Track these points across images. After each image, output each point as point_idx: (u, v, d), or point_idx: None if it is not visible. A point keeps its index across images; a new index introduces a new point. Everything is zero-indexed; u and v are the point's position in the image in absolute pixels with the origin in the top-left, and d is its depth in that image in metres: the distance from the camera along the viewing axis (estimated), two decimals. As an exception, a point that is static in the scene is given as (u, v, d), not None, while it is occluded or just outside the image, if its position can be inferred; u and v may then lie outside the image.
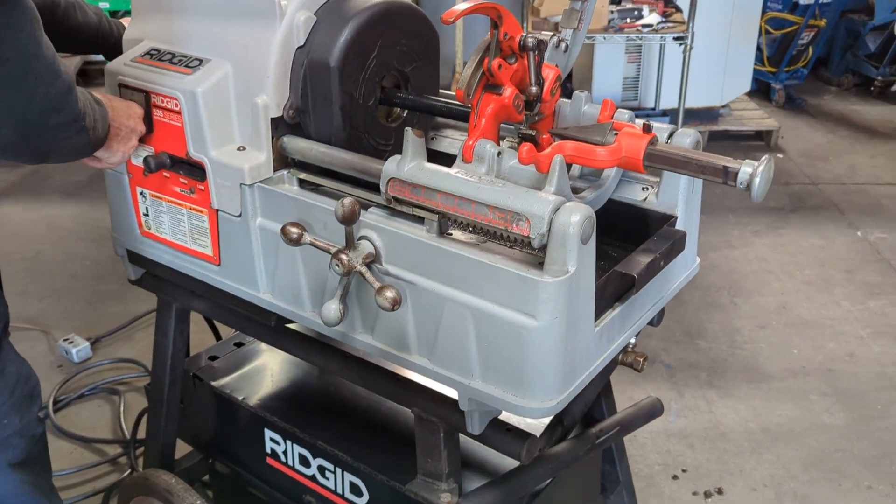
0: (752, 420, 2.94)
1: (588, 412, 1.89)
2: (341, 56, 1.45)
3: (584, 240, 1.17)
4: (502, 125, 1.46)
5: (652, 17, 3.91)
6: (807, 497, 2.59)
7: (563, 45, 1.55)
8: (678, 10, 4.13)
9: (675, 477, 2.68)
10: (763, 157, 1.19)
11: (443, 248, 1.26)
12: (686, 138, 1.44)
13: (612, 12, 3.95)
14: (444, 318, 1.29)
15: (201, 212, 1.58)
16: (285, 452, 1.86)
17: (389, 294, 1.24)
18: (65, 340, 3.27)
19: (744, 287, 3.84)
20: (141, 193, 1.68)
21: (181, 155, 1.54)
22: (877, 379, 3.18)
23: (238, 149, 1.52)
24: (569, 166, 1.40)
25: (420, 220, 1.32)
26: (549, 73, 1.41)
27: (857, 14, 6.88)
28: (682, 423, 2.92)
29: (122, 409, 2.93)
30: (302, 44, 1.48)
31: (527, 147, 1.26)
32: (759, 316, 3.60)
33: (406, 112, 1.67)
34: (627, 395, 3.04)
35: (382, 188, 1.33)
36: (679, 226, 1.49)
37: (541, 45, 1.36)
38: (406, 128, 1.32)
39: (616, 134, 1.31)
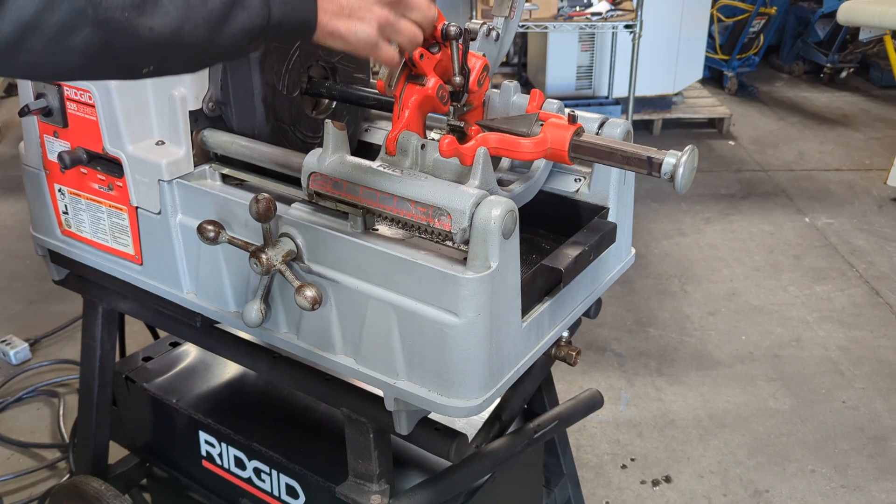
0: (701, 407, 2.96)
1: (529, 406, 1.87)
2: (263, 47, 1.40)
3: (506, 234, 1.15)
4: (435, 116, 1.43)
5: (601, 6, 3.90)
6: (752, 482, 2.61)
7: (493, 34, 1.52)
8: (628, -2, 4.14)
9: (623, 466, 2.68)
10: (686, 148, 1.18)
11: (364, 245, 1.22)
12: (616, 129, 1.42)
13: (561, 1, 3.93)
14: (368, 316, 1.25)
15: (121, 209, 1.52)
16: (220, 455, 1.81)
17: (309, 293, 1.20)
18: (2, 342, 3.16)
19: (694, 274, 3.87)
20: (59, 191, 1.62)
21: (98, 150, 1.48)
22: (821, 363, 3.22)
23: (157, 143, 1.46)
24: (497, 159, 1.37)
25: (345, 215, 1.29)
26: (476, 63, 1.37)
27: (806, 2, 6.98)
28: (631, 412, 2.92)
29: (61, 411, 2.84)
30: (221, 33, 1.43)
31: (448, 139, 1.23)
32: (708, 303, 3.63)
33: (335, 104, 1.62)
34: (578, 385, 3.05)
35: (304, 183, 1.28)
36: (611, 217, 1.47)
37: (465, 34, 1.33)
38: (326, 120, 1.27)
39: (542, 125, 1.28)
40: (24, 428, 2.81)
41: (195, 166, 1.47)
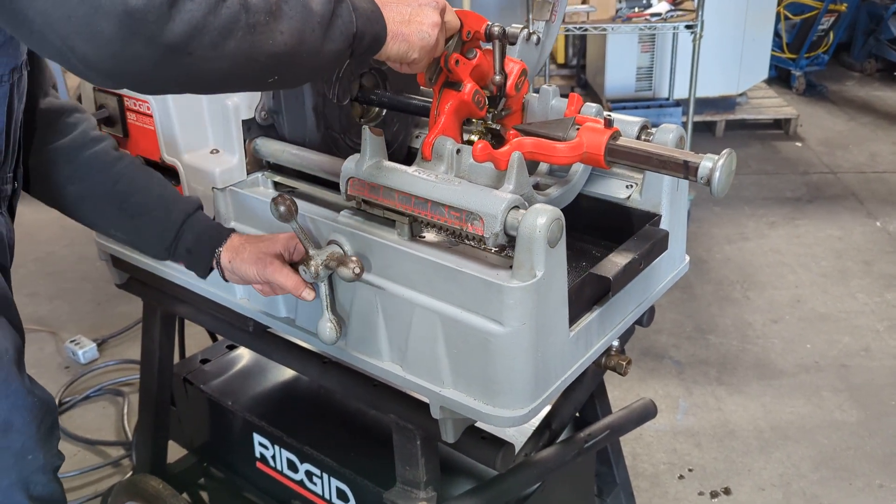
0: (762, 418, 2.87)
1: (581, 415, 1.84)
2: (312, 55, 1.42)
3: (552, 243, 1.13)
4: (477, 121, 1.42)
5: (661, 6, 3.83)
6: (816, 496, 2.52)
7: (534, 38, 1.50)
8: (688, -3, 4.05)
9: (681, 476, 2.62)
10: (724, 152, 1.15)
11: (409, 252, 1.22)
12: (668, 134, 1.39)
13: (619, 2, 3.87)
14: (413, 324, 1.25)
15: (178, 216, 1.56)
16: (274, 457, 1.84)
17: (352, 264, 1.21)
18: (71, 342, 3.29)
19: (758, 280, 3.76)
20: (120, 198, 1.67)
21: (156, 159, 1.52)
22: (892, 374, 3.09)
23: (211, 152, 1.50)
24: (533, 163, 1.36)
25: (392, 223, 1.29)
26: (513, 68, 1.36)
27: (879, -3, 6.71)
28: (689, 422, 2.86)
29: (125, 410, 2.94)
30: (273, 43, 1.45)
31: (481, 144, 1.23)
32: (772, 310, 3.52)
33: (385, 111, 1.63)
34: (635, 392, 3.00)
35: (342, 188, 1.30)
36: (663, 224, 1.44)
37: (507, 35, 1.32)
38: (363, 126, 1.29)
39: (578, 129, 1.27)
40: (91, 426, 2.91)
41: (248, 174, 1.50)
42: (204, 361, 2.05)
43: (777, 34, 6.07)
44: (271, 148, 1.47)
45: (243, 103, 1.45)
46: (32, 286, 3.80)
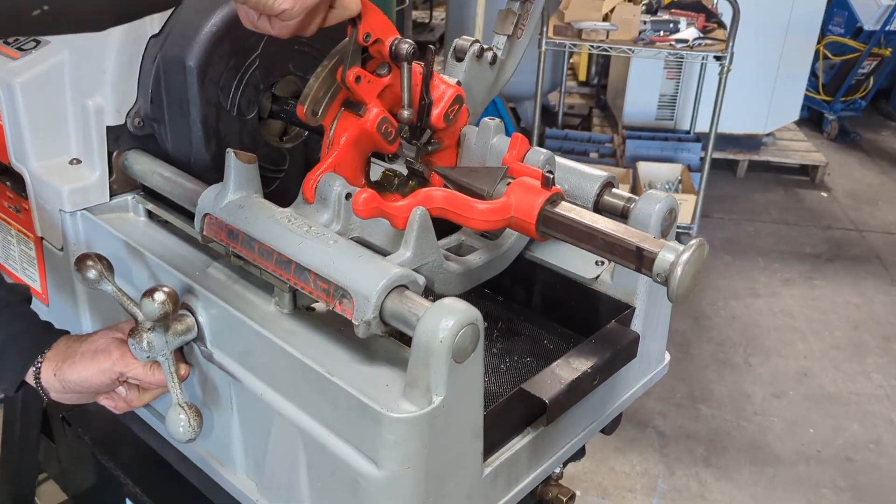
0: (750, 513, 2.52)
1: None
2: (203, 52, 1.09)
3: (460, 356, 0.79)
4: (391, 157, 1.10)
5: (689, 32, 3.48)
6: None
7: (488, 56, 1.17)
8: (721, 25, 3.68)
9: (647, 576, 2.28)
10: (693, 242, 0.82)
11: (269, 339, 0.89)
12: (653, 205, 1.04)
13: (644, 23, 3.52)
14: (273, 435, 0.92)
15: (28, 237, 1.24)
16: (144, 529, 1.51)
17: (182, 416, 0.88)
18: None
19: (763, 345, 3.40)
20: (-24, 202, 1.34)
21: (5, 162, 1.20)
22: (904, 476, 2.73)
23: (71, 162, 1.17)
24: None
25: (271, 287, 0.96)
26: (445, 92, 1.03)
27: (927, 45, 6.30)
28: (666, 508, 2.51)
29: None
30: (157, 32, 1.12)
31: (366, 194, 0.90)
32: (775, 382, 3.16)
33: (307, 131, 1.30)
34: (608, 464, 2.65)
35: (197, 225, 0.97)
36: (637, 319, 1.10)
37: (429, 56, 0.99)
38: (228, 149, 0.96)
39: (510, 183, 0.94)
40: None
41: (115, 195, 1.17)
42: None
43: (813, 73, 5.69)
44: (139, 166, 1.14)
45: (109, 105, 1.12)
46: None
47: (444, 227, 1.01)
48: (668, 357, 1.25)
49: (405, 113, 0.98)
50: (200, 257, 1.07)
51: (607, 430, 1.25)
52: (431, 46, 1.02)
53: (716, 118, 3.55)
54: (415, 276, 0.85)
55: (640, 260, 0.86)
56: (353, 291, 0.83)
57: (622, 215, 1.10)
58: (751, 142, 5.03)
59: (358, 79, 0.96)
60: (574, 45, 3.51)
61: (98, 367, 0.94)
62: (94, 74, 1.12)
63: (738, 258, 4.09)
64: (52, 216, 1.15)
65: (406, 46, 0.96)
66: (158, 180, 1.11)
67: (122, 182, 1.17)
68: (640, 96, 4.89)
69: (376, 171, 1.13)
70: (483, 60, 1.22)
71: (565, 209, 0.92)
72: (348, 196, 0.97)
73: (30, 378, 0.97)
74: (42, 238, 1.20)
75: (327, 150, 1.01)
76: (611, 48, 3.48)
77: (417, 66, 1.03)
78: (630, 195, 1.10)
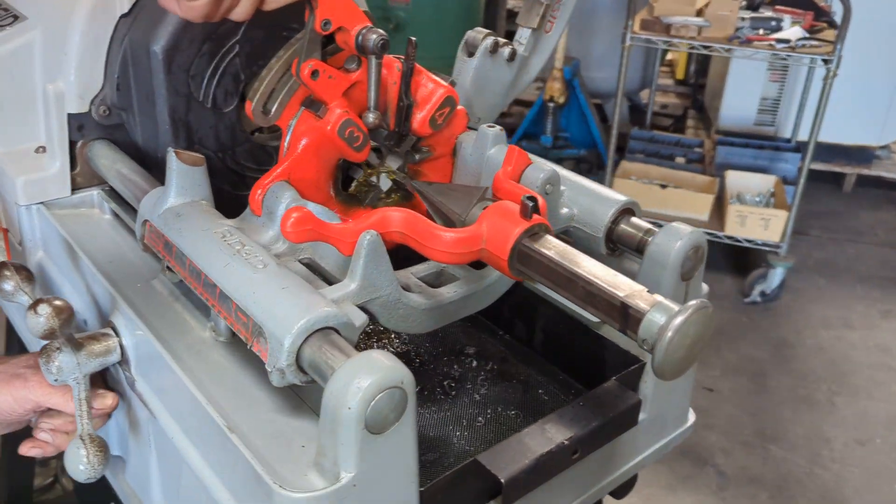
0: (813, 575, 2.25)
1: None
2: (170, 35, 0.97)
3: (378, 428, 0.64)
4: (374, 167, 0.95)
5: (792, 32, 3.15)
6: None
7: (505, 52, 1.00)
8: (832, 25, 3.32)
9: None
10: (692, 303, 0.63)
11: (180, 378, 0.76)
12: (674, 241, 0.86)
13: (742, 19, 3.22)
14: (182, 484, 0.79)
15: (-2, 226, 1.16)
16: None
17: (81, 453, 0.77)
18: None
19: (851, 383, 3.06)
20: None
21: (-23, 144, 1.12)
22: None
23: (37, 150, 1.08)
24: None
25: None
26: (433, 92, 0.87)
27: None
28: (717, 558, 2.27)
29: None
30: (126, 11, 1.01)
31: (297, 214, 0.75)
32: (861, 426, 2.83)
33: (299, 127, 1.16)
34: (657, 503, 2.42)
35: (138, 231, 0.86)
36: (647, 377, 0.91)
37: (409, 50, 0.84)
38: (169, 148, 0.84)
39: (487, 207, 0.78)
40: None
41: (79, 189, 1.07)
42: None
43: (942, 83, 5.14)
44: (102, 159, 1.04)
45: (72, 91, 1.02)
46: None
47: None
48: (692, 418, 1.05)
49: (370, 116, 0.83)
50: (154, 267, 0.96)
51: (617, 494, 1.07)
52: (413, 38, 0.86)
53: (817, 127, 3.22)
54: (347, 318, 0.71)
55: (624, 319, 0.68)
56: (267, 331, 0.69)
57: (638, 250, 0.92)
58: (862, 154, 4.59)
59: (315, 73, 0.82)
60: (662, 42, 3.25)
61: (12, 395, 0.84)
62: (57, 56, 1.02)
63: (833, 283, 3.73)
64: (10, 207, 1.07)
65: (374, 37, 0.81)
66: (115, 177, 1.00)
67: (87, 175, 1.07)
68: (740, 99, 4.54)
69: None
70: (498, 56, 1.06)
71: (546, 245, 0.75)
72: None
73: None
74: (7, 229, 1.12)
75: (283, 155, 0.87)
76: (702, 46, 3.19)
77: (395, 62, 0.87)
78: (650, 227, 0.92)
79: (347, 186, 0.95)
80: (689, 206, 3.55)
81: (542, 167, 0.88)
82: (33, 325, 0.74)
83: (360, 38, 0.81)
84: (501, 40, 1.05)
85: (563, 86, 4.05)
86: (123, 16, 1.02)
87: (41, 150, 1.07)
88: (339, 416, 0.62)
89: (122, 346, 0.85)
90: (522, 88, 1.13)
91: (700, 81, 5.40)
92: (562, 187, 0.94)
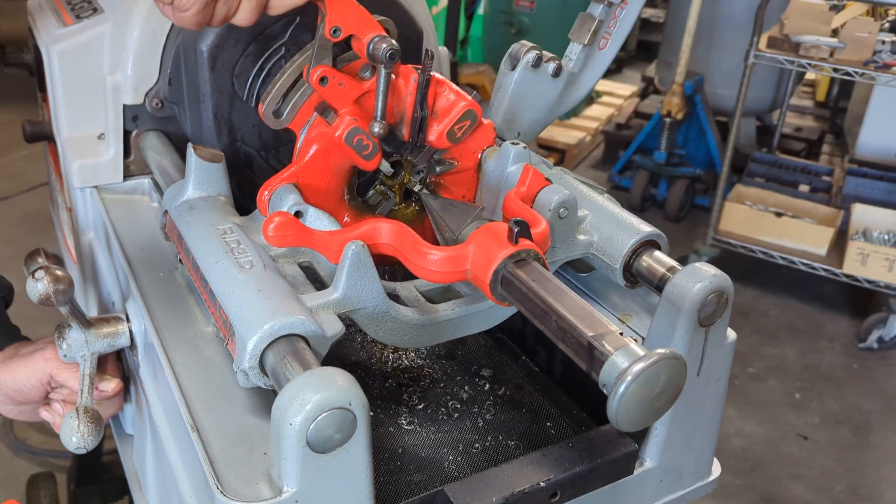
0: None
1: None
2: (217, 37, 1.00)
3: (322, 447, 0.63)
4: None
5: (939, 58, 2.86)
6: None
7: (550, 67, 0.97)
8: None
9: None
10: (658, 351, 0.58)
11: (166, 376, 0.77)
12: (693, 282, 0.79)
13: (882, 42, 2.95)
14: (164, 468, 0.82)
15: (67, 204, 1.24)
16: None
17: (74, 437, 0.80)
18: None
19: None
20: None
21: (55, 129, 1.20)
22: None
23: (99, 137, 1.14)
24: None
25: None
26: (455, 105, 0.85)
27: None
28: None
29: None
30: (183, 10, 1.05)
31: (280, 219, 0.74)
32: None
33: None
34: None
35: (159, 221, 0.90)
36: (656, 426, 0.85)
37: (426, 61, 0.82)
38: (189, 143, 0.86)
39: (479, 226, 0.75)
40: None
41: (131, 176, 1.13)
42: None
43: None
44: (151, 150, 1.08)
45: (127, 82, 1.07)
46: None
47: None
48: (717, 471, 0.97)
49: (375, 126, 0.82)
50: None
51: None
52: (429, 50, 0.84)
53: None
54: (316, 328, 0.70)
55: (590, 359, 0.64)
56: (237, 332, 0.70)
57: (658, 287, 0.86)
58: None
59: (324, 79, 0.82)
60: (787, 62, 3.04)
61: (31, 368, 0.89)
62: (119, 49, 1.07)
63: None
64: (71, 190, 1.13)
65: (384, 46, 0.79)
66: (157, 168, 1.04)
67: (140, 164, 1.13)
68: (881, 127, 4.19)
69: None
70: (542, 71, 1.02)
71: (530, 273, 0.71)
72: (299, 214, 0.83)
73: None
74: (72, 209, 1.19)
75: (295, 158, 0.88)
76: (833, 69, 2.97)
77: (413, 73, 0.86)
78: (673, 264, 0.86)
79: (365, 193, 0.94)
80: (806, 238, 3.32)
81: (556, 190, 0.84)
82: (31, 289, 0.78)
83: (370, 46, 0.80)
84: (547, 54, 1.02)
85: (682, 101, 3.89)
86: (181, 13, 1.05)
87: (102, 136, 1.13)
88: (282, 430, 0.62)
89: (131, 332, 0.88)
90: (572, 105, 1.09)
91: (841, 105, 5.04)
92: (584, 212, 0.90)
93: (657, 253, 0.87)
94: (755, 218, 3.41)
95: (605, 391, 0.62)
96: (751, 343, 3.27)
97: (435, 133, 0.88)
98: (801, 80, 4.98)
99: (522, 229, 0.71)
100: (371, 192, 0.94)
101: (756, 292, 3.60)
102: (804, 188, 3.84)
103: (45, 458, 2.42)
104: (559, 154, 4.66)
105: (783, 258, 3.34)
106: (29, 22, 1.26)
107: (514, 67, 1.01)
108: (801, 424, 2.82)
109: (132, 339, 0.88)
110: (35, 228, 3.56)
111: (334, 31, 0.79)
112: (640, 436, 0.86)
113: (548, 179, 0.86)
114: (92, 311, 1.14)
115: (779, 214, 3.41)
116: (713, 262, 3.52)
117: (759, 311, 3.49)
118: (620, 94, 5.42)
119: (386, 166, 0.88)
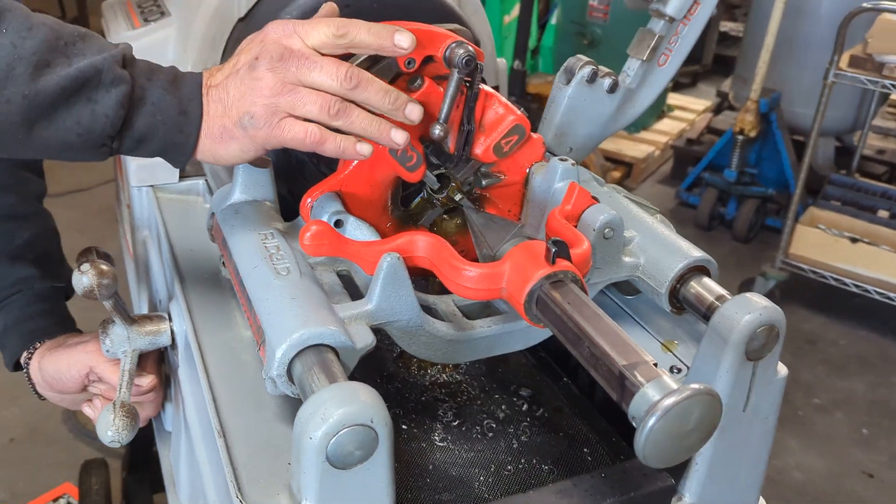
0: None
1: None
2: (275, 42, 1.01)
3: (342, 463, 0.62)
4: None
5: None
6: None
7: (605, 82, 0.95)
8: None
9: None
10: (693, 386, 0.55)
11: (200, 387, 0.78)
12: (742, 313, 0.76)
13: (974, 63, 2.79)
14: (194, 470, 0.82)
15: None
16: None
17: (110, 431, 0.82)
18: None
19: None
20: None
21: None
22: None
23: (163, 136, 1.17)
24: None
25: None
26: (503, 119, 0.83)
27: None
28: None
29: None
30: (243, 15, 1.07)
31: (315, 227, 0.74)
32: None
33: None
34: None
35: (207, 222, 0.91)
36: (697, 461, 0.81)
37: (475, 78, 0.80)
38: None
39: (518, 244, 0.73)
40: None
41: (187, 177, 1.15)
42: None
43: None
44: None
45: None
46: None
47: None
48: (763, 512, 0.93)
49: (436, 129, 0.81)
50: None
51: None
52: (480, 63, 0.83)
53: None
54: (346, 340, 0.69)
55: (621, 389, 0.61)
56: (267, 339, 0.70)
57: (705, 316, 0.82)
58: None
59: (370, 88, 0.81)
60: (869, 82, 2.91)
61: (73, 359, 0.91)
62: (181, 53, 1.09)
63: None
64: (130, 188, 1.16)
65: (461, 52, 0.78)
66: (209, 170, 1.06)
67: (196, 165, 1.14)
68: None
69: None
70: (597, 86, 1.00)
71: (565, 295, 0.69)
72: (339, 223, 0.83)
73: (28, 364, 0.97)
74: (129, 206, 1.22)
75: (340, 167, 0.88)
76: (893, 86, 2.83)
77: (462, 85, 0.85)
78: (722, 292, 0.82)
79: (409, 203, 0.94)
80: (882, 266, 3.17)
81: (602, 210, 0.82)
82: (76, 282, 0.80)
83: (447, 52, 0.79)
84: (603, 69, 0.99)
85: (755, 118, 3.77)
86: (241, 20, 1.07)
87: (165, 135, 1.16)
88: (302, 443, 0.61)
89: (172, 332, 0.89)
90: (628, 122, 1.06)
91: (928, 128, 4.80)
92: (632, 233, 0.87)
93: (706, 280, 0.84)
94: (828, 243, 3.27)
95: (633, 423, 0.59)
96: (817, 373, 3.13)
97: (481, 147, 0.86)
98: (885, 101, 4.76)
99: (560, 249, 0.69)
100: (416, 201, 0.93)
101: (825, 320, 3.45)
102: (883, 214, 3.66)
103: (103, 445, 2.49)
104: (626, 168, 4.57)
105: (856, 286, 3.19)
106: (102, 24, 1.31)
107: (568, 82, 0.99)
108: (867, 461, 2.69)
109: (173, 339, 0.90)
110: (109, 219, 3.69)
111: (409, 63, 0.79)
112: (679, 470, 0.82)
113: (595, 198, 0.84)
114: (143, 309, 1.17)
115: (854, 240, 3.27)
116: (782, 286, 3.42)
117: (828, 340, 3.34)
118: (693, 108, 5.29)
119: (432, 179, 0.87)
